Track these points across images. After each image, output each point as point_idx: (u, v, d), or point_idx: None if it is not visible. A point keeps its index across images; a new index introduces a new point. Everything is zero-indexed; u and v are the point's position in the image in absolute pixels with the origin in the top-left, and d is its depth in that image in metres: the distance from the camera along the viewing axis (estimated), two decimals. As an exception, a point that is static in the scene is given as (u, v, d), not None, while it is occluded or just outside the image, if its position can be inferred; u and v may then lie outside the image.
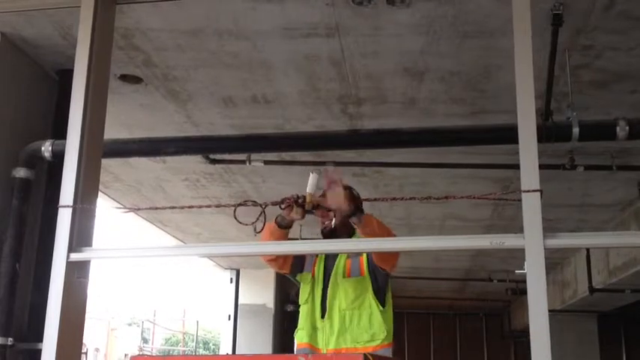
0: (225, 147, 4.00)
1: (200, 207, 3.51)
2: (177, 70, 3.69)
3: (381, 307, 3.02)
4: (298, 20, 3.13)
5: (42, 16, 3.15)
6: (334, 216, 2.98)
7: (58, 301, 2.37)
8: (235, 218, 2.73)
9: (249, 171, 5.35)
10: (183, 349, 25.78)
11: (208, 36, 3.30)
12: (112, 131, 3.74)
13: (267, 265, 3.19)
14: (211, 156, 4.80)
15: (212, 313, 21.26)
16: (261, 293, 9.81)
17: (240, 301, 9.88)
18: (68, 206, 2.45)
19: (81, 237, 2.47)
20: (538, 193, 2.16)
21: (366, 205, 2.93)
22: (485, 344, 15.30)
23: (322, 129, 4.39)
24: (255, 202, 2.78)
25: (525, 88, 2.27)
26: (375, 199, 3.40)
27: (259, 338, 9.58)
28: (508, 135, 2.69)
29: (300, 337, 3.13)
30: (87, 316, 2.60)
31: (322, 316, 3.07)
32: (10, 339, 3.13)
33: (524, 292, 4.34)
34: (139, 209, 6.64)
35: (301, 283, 3.23)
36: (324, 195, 2.84)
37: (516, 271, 2.28)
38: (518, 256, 2.16)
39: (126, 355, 24.72)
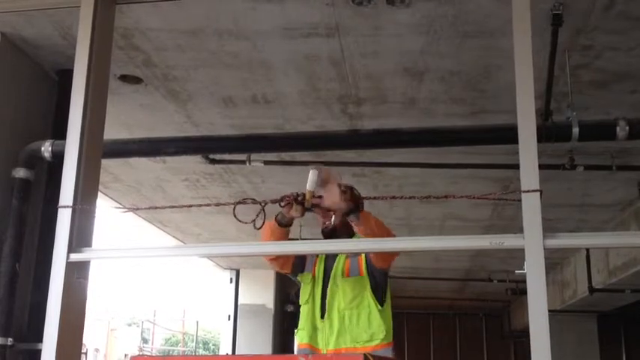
0: (225, 147, 4.00)
1: (199, 206, 3.52)
2: (177, 70, 3.69)
3: (379, 307, 3.02)
4: (298, 20, 3.13)
5: (42, 16, 3.15)
6: (334, 214, 2.99)
7: (58, 302, 2.37)
8: (235, 216, 2.73)
9: (248, 171, 5.35)
10: (183, 349, 25.79)
11: (208, 36, 3.30)
12: (112, 131, 3.75)
13: (268, 263, 3.20)
14: (211, 156, 4.80)
15: (212, 314, 21.27)
16: (260, 293, 9.82)
17: (239, 301, 9.89)
18: (68, 206, 2.45)
19: (81, 237, 2.46)
20: (538, 193, 2.16)
21: (366, 204, 2.93)
22: (485, 344, 15.31)
23: (322, 129, 4.39)
24: (254, 199, 2.78)
25: (525, 88, 2.27)
26: (375, 198, 3.40)
27: (259, 338, 9.58)
28: (508, 135, 2.69)
29: (301, 338, 3.13)
30: (87, 316, 2.60)
31: (322, 317, 3.07)
32: (10, 339, 3.13)
33: (524, 292, 4.34)
34: (138, 209, 6.64)
35: (302, 283, 3.24)
36: (320, 196, 2.84)
37: (516, 271, 2.28)
38: (518, 256, 2.16)
39: (126, 355, 24.71)
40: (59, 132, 3.34)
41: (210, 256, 8.50)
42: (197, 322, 21.67)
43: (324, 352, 3.00)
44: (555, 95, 3.36)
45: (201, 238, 7.96)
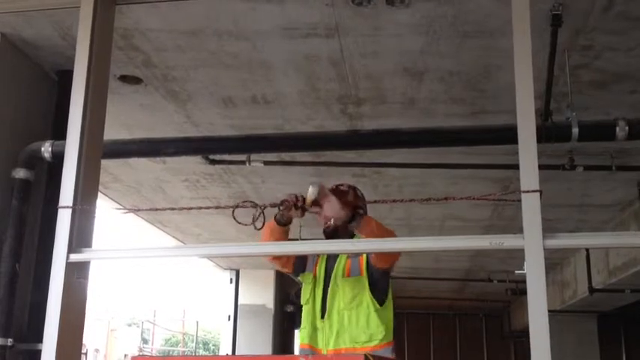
0: (225, 147, 4.00)
1: (199, 208, 3.52)
2: (177, 71, 3.69)
3: (377, 306, 3.01)
4: (298, 20, 3.13)
5: (41, 16, 3.15)
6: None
7: (58, 302, 2.37)
8: (234, 218, 2.74)
9: (248, 171, 5.35)
10: (183, 349, 25.79)
11: (208, 36, 3.30)
12: (112, 131, 3.75)
13: (270, 263, 3.20)
14: (211, 157, 4.81)
15: (212, 314, 21.29)
16: (260, 294, 9.81)
17: (239, 302, 9.88)
18: (68, 207, 2.45)
19: (81, 238, 2.47)
20: (537, 194, 2.16)
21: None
22: (485, 344, 15.31)
23: (322, 129, 4.39)
24: (253, 202, 2.79)
25: (525, 89, 2.28)
26: (375, 202, 3.39)
27: (259, 338, 9.58)
28: (508, 135, 2.69)
29: (302, 338, 3.14)
30: (87, 316, 2.60)
31: (322, 317, 3.07)
32: (10, 339, 3.12)
33: (524, 292, 4.35)
34: (138, 210, 6.64)
35: (303, 283, 3.24)
36: (320, 207, 2.85)
37: (516, 272, 2.28)
38: (517, 256, 2.16)
39: (126, 355, 24.71)
40: (59, 132, 3.34)
41: (210, 257, 8.50)
42: (197, 322, 21.68)
43: (324, 352, 3.00)
44: (555, 95, 3.36)
45: (201, 239, 7.96)
